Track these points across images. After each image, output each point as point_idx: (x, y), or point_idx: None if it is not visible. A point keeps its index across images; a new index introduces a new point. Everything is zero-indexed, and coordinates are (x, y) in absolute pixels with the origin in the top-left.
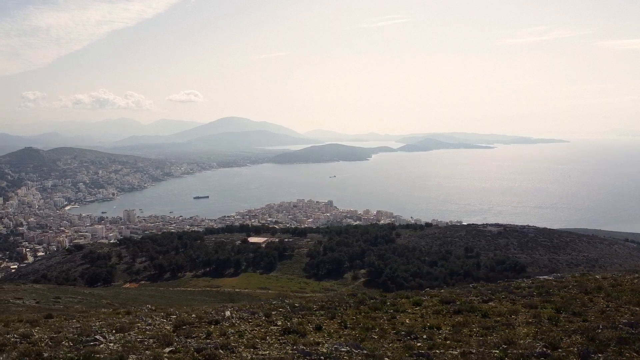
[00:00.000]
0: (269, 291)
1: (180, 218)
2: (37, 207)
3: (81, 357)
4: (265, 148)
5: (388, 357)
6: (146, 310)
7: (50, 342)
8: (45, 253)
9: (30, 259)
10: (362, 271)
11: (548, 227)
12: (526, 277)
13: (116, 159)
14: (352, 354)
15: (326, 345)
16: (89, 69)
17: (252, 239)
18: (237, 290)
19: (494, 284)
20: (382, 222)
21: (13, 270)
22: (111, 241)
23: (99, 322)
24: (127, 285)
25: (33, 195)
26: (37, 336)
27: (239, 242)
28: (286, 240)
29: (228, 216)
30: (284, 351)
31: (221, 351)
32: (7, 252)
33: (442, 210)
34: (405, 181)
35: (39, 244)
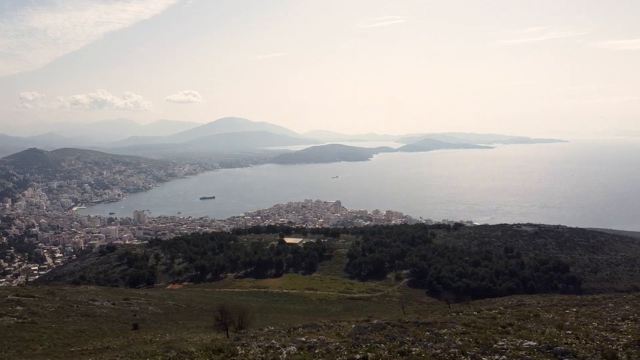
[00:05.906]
0: (317, 292)
1: (190, 219)
2: (45, 208)
3: None
4: (265, 148)
5: None
6: None
7: None
8: (63, 254)
9: (49, 260)
10: (404, 271)
11: (581, 227)
12: (571, 277)
13: (119, 160)
14: None
15: None
16: (87, 69)
17: (288, 240)
18: (284, 291)
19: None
20: (393, 222)
21: (35, 271)
22: (127, 242)
23: None
24: (170, 286)
25: (40, 196)
26: None
27: (276, 242)
28: (323, 240)
29: (237, 217)
30: None
31: None
32: (26, 254)
33: (449, 210)
34: (408, 181)
35: (55, 245)
